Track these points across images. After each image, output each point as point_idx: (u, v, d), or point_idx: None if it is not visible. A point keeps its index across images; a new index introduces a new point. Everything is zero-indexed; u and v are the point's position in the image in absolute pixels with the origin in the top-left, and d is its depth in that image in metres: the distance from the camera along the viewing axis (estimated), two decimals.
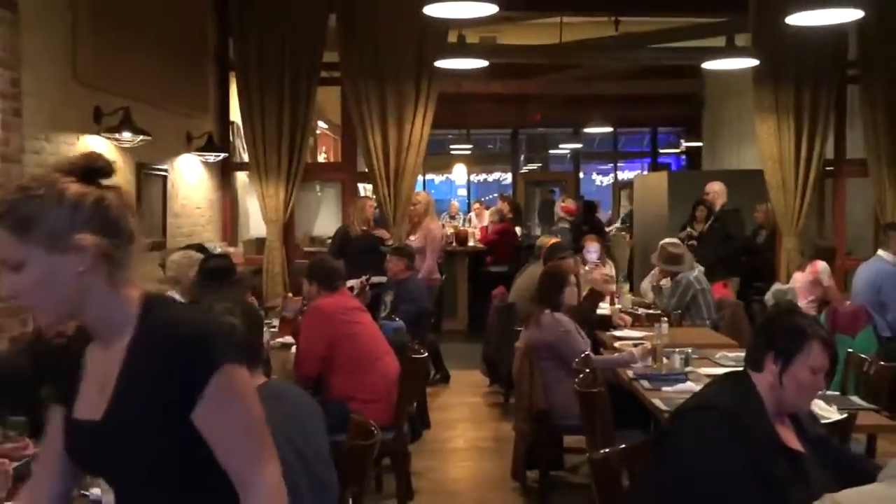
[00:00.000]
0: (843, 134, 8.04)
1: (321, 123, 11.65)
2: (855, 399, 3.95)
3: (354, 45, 7.55)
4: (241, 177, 8.57)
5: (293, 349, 4.67)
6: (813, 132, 7.61)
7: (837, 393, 4.09)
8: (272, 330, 5.49)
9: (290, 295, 6.80)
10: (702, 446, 2.35)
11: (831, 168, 7.99)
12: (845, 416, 3.41)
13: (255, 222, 8.53)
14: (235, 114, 8.01)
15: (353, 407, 4.08)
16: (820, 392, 3.66)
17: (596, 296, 5.79)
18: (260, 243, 8.17)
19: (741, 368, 2.61)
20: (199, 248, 5.31)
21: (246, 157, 7.92)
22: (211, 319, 1.72)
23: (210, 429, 1.51)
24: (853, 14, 5.25)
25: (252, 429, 1.56)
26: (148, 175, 6.21)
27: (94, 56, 5.17)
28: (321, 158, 11.86)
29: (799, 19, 5.28)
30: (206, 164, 7.50)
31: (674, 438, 2.46)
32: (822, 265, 6.88)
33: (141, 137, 5.49)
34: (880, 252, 6.27)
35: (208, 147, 7.18)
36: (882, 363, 4.27)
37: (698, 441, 2.37)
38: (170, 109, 6.59)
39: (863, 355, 4.47)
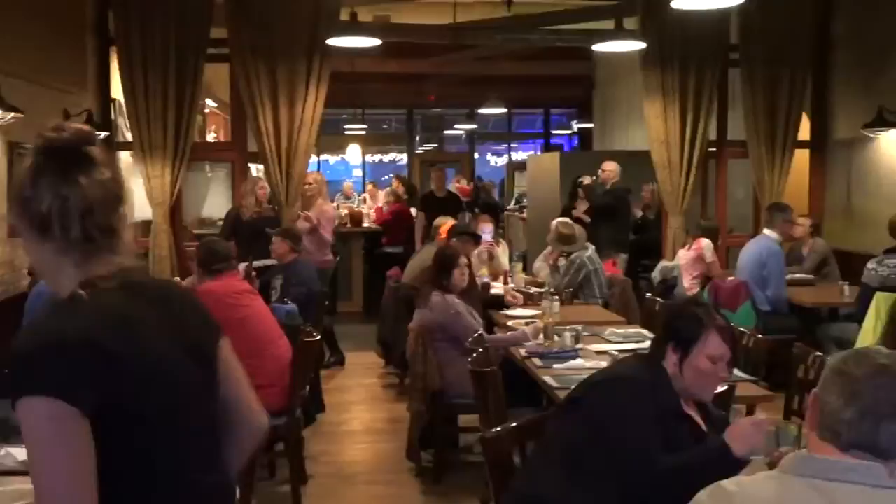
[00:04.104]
0: (725, 116, 8.30)
1: (210, 102, 11.30)
2: (735, 371, 4.09)
3: (243, 22, 7.32)
4: (125, 157, 8.24)
5: None
6: (697, 114, 7.84)
7: None
8: None
9: (179, 279, 6.61)
10: (615, 412, 2.45)
11: (714, 149, 8.26)
12: (726, 387, 3.54)
13: (141, 204, 8.21)
14: (117, 90, 7.67)
15: None
16: None
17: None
18: (145, 226, 7.88)
19: (648, 350, 2.72)
20: None
21: (129, 136, 7.60)
22: (29, 338, 1.43)
23: None
24: None
25: (33, 470, 1.38)
26: (21, 155, 5.87)
27: None
28: (210, 138, 11.53)
29: (684, 3, 5.41)
30: None
31: (586, 405, 2.54)
32: (705, 242, 7.13)
33: (12, 115, 5.18)
34: (765, 230, 6.53)
35: (88, 125, 6.84)
36: (760, 336, 4.46)
37: (611, 407, 2.46)
38: (44, 84, 6.25)
39: (742, 329, 4.66)
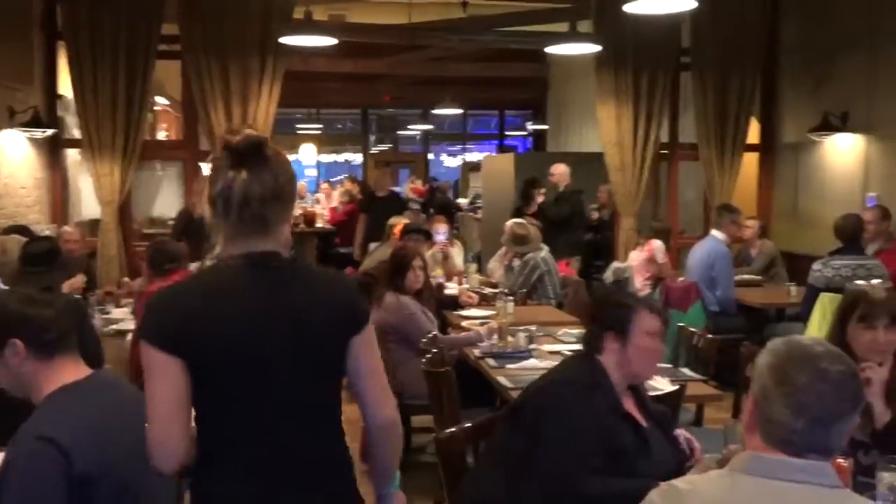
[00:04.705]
0: (677, 119, 8.42)
1: (161, 100, 11.14)
2: (685, 371, 4.15)
3: (195, 18, 7.22)
4: (74, 154, 8.08)
5: (129, 336, 4.44)
6: (649, 117, 7.92)
7: (669, 366, 4.29)
8: (105, 316, 5.22)
9: (128, 279, 6.49)
10: (554, 420, 2.45)
11: (666, 151, 8.36)
12: (677, 387, 3.58)
13: (90, 203, 8.06)
14: (65, 87, 7.51)
15: None
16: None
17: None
18: (94, 225, 7.74)
19: (585, 346, 2.72)
20: (21, 229, 4.95)
21: (77, 134, 7.45)
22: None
23: None
24: (687, 3, 5.48)
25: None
26: None
27: None
28: (161, 136, 11.36)
29: (636, 7, 5.46)
30: (32, 140, 7.00)
31: (527, 411, 2.55)
32: (657, 244, 7.21)
33: None
34: (713, 232, 6.62)
35: (34, 122, 6.70)
36: (709, 336, 4.52)
37: (551, 414, 2.47)
38: None
39: (692, 329, 4.72)
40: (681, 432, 2.69)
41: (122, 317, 5.32)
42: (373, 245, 8.12)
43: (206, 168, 8.63)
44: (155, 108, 10.80)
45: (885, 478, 2.21)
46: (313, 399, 1.88)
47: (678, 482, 1.64)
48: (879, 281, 5.05)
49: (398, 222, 7.07)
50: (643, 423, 2.58)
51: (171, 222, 8.23)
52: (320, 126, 18.65)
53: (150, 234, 8.53)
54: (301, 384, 1.85)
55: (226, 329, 1.79)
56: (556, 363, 3.84)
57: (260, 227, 1.85)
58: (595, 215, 8.88)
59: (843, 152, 7.28)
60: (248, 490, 1.82)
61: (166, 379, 1.76)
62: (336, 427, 1.95)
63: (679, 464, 2.52)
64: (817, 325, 5.17)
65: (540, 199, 8.17)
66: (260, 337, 1.81)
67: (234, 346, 1.79)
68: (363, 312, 1.95)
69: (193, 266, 6.05)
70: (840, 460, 2.21)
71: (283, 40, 6.92)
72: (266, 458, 1.82)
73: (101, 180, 7.23)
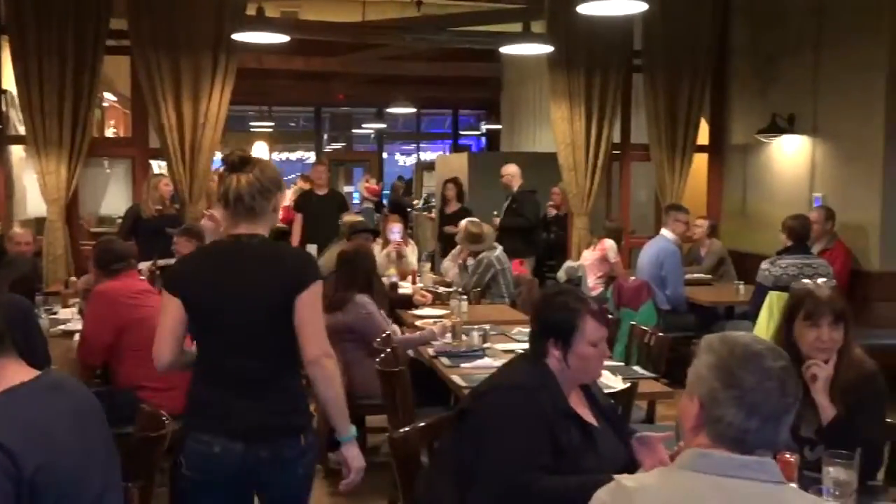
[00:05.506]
0: (629, 120, 8.51)
1: (110, 96, 10.94)
2: (637, 369, 4.20)
3: (145, 13, 7.11)
4: (18, 151, 7.89)
5: (76, 336, 4.36)
6: (602, 117, 8.00)
7: (622, 363, 4.34)
8: (52, 316, 5.11)
9: (75, 279, 6.36)
10: (500, 423, 2.43)
11: (618, 152, 8.45)
12: (629, 385, 3.62)
13: (35, 201, 7.88)
14: (9, 81, 7.33)
15: (144, 396, 3.86)
16: (606, 363, 3.88)
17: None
18: (40, 223, 7.57)
19: (530, 349, 2.69)
20: None
21: (22, 130, 7.28)
22: None
23: None
24: (638, 6, 5.54)
25: None
26: None
27: None
28: (110, 133, 11.15)
29: (589, 9, 5.51)
30: None
31: (473, 417, 2.53)
32: (609, 243, 7.28)
33: None
34: (663, 231, 6.70)
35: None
36: (661, 334, 4.57)
37: (497, 419, 2.45)
38: None
39: (644, 327, 4.77)
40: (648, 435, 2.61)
41: (70, 317, 5.21)
42: (311, 247, 7.89)
43: (156, 166, 8.50)
44: (103, 104, 10.61)
45: (831, 472, 2.26)
46: (264, 338, 2.54)
47: (625, 480, 1.64)
48: (824, 279, 5.18)
49: (354, 220, 7.03)
50: (591, 420, 2.57)
51: (119, 221, 8.09)
52: (273, 124, 18.48)
53: (99, 232, 8.39)
54: (253, 327, 2.53)
55: (202, 284, 2.56)
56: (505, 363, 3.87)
57: (249, 216, 2.57)
58: (553, 212, 8.92)
59: (791, 153, 7.43)
60: (212, 393, 2.54)
61: (168, 311, 2.56)
62: (285, 359, 2.56)
63: (632, 460, 2.53)
64: (765, 323, 5.27)
65: (496, 221, 8.03)
66: (221, 291, 2.54)
67: (207, 296, 2.54)
68: (307, 276, 2.55)
69: (143, 266, 5.97)
70: (787, 456, 2.26)
71: (236, 37, 6.85)
72: (224, 374, 2.54)
73: (46, 178, 7.07)
